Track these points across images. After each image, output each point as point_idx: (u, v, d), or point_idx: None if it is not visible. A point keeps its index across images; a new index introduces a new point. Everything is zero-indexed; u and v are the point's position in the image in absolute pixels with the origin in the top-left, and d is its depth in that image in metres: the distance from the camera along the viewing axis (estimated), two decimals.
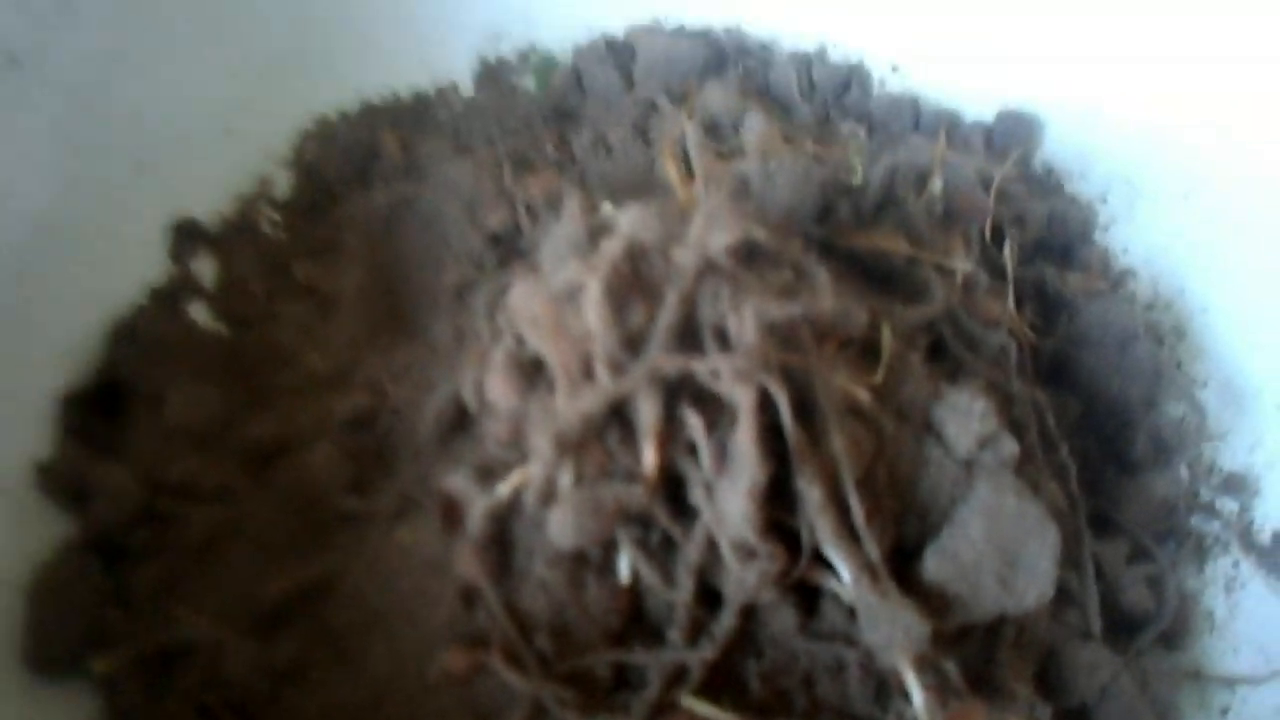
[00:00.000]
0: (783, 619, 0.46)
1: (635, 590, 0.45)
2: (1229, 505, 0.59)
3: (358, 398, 0.58)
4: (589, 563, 0.45)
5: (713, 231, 0.43)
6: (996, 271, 0.62)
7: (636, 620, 0.46)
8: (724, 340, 0.43)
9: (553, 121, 0.74)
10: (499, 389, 0.43)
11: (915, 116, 0.73)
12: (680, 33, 0.76)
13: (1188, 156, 0.67)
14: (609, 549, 0.44)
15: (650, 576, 0.44)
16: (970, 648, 0.48)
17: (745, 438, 0.42)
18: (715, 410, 0.43)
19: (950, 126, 0.73)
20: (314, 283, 0.67)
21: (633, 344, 0.42)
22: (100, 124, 0.67)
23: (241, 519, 0.55)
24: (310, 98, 0.75)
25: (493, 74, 0.78)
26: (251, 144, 0.73)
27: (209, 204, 0.71)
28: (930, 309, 0.52)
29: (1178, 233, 0.67)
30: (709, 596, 0.45)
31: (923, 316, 0.52)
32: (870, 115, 0.73)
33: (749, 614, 0.46)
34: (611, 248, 0.42)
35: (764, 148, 0.64)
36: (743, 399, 0.42)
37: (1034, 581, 0.47)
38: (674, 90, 0.73)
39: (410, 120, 0.75)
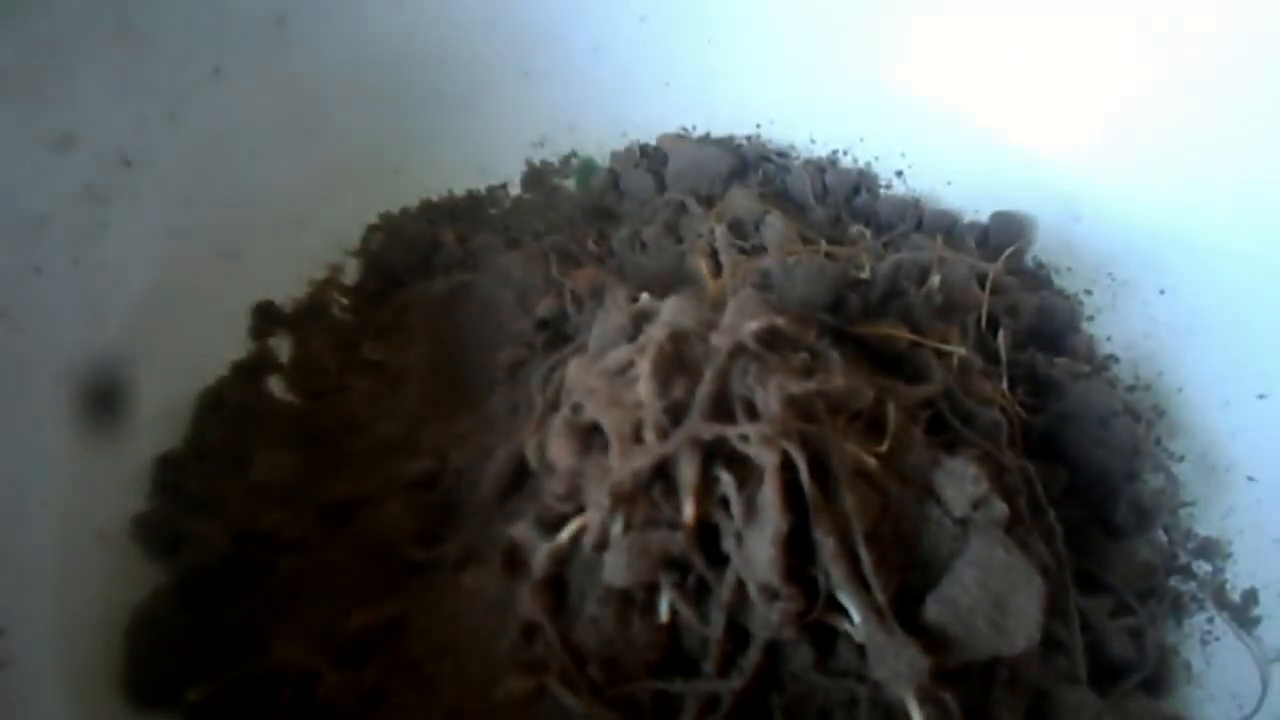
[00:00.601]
0: (802, 656, 0.53)
1: (674, 627, 0.52)
2: (1204, 567, 0.65)
3: (423, 460, 0.65)
4: (634, 603, 0.51)
5: (743, 318, 0.51)
6: (991, 356, 0.69)
7: (675, 654, 0.52)
8: (752, 411, 0.50)
9: (592, 219, 0.83)
10: (559, 450, 0.51)
11: (918, 217, 0.81)
12: (706, 141, 0.85)
13: (1163, 255, 0.75)
14: (652, 591, 0.51)
15: (687, 615, 0.51)
16: (968, 686, 0.54)
17: (770, 493, 0.49)
18: (744, 470, 0.50)
19: (949, 226, 0.81)
20: (381, 359, 0.75)
21: (675, 413, 0.49)
22: (196, 217, 0.76)
23: (320, 566, 0.62)
24: (378, 196, 0.84)
25: (538, 176, 0.87)
26: (325, 236, 0.82)
27: (286, 289, 0.80)
28: (929, 388, 0.60)
29: (1156, 322, 0.74)
30: (738, 634, 0.52)
31: (922, 395, 0.59)
32: (877, 216, 0.82)
33: (773, 651, 0.52)
34: (657, 332, 0.50)
35: (783, 246, 0.73)
36: (768, 460, 0.49)
37: (1022, 626, 0.53)
38: (701, 192, 0.82)
39: (466, 216, 0.84)
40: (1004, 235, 0.80)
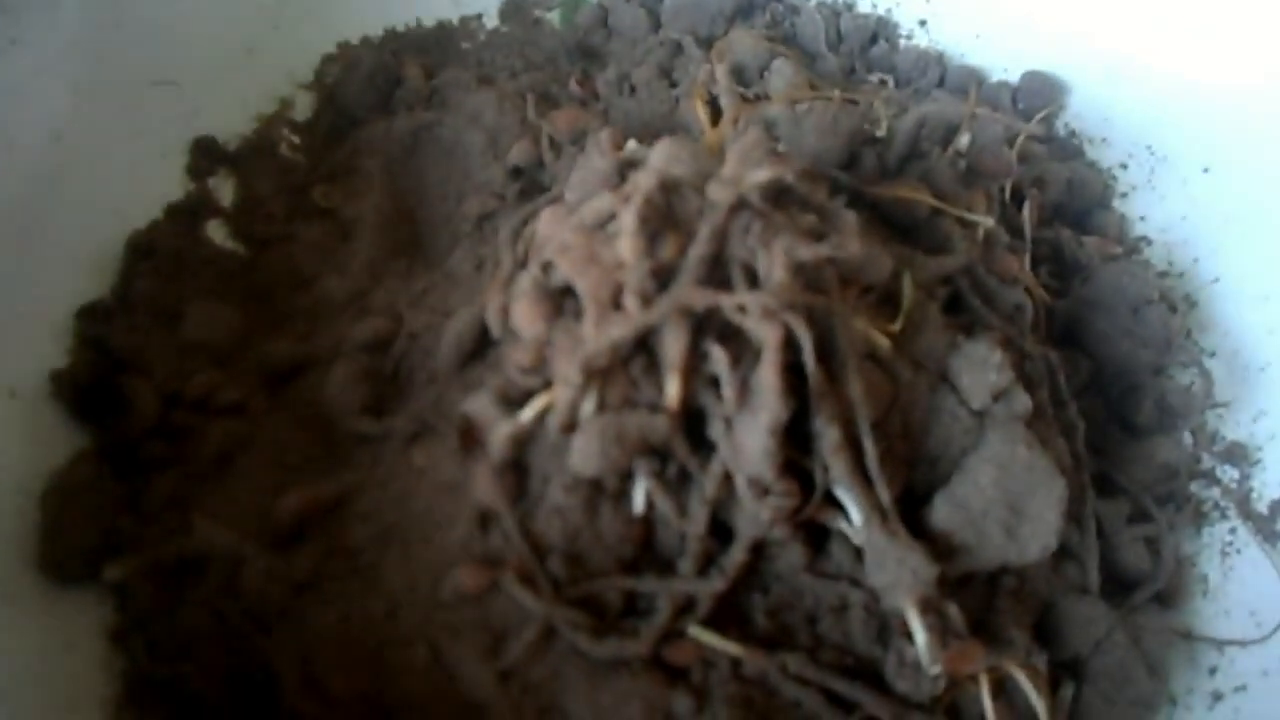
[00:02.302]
0: (791, 556, 0.47)
1: (649, 520, 0.46)
2: (1229, 473, 0.60)
3: (375, 321, 0.58)
4: (605, 491, 0.45)
5: (747, 168, 0.43)
6: (1014, 231, 0.62)
7: (649, 550, 0.46)
8: (753, 278, 0.43)
9: (577, 58, 0.74)
10: (525, 315, 0.44)
11: (941, 73, 0.73)
12: None
13: (1210, 129, 0.67)
14: (625, 479, 0.45)
15: (664, 508, 0.45)
16: (972, 595, 0.49)
17: (768, 374, 0.42)
18: (739, 346, 0.43)
19: (975, 85, 0.72)
20: (333, 206, 0.67)
21: (662, 276, 0.42)
22: (122, 37, 0.67)
23: (257, 435, 0.56)
24: (335, 23, 0.75)
25: (518, 7, 0.77)
26: (274, 66, 0.73)
27: (230, 125, 0.71)
28: (951, 262, 0.53)
29: (1195, 203, 0.67)
30: (720, 530, 0.46)
31: (943, 269, 0.52)
32: (896, 69, 0.73)
33: (758, 550, 0.46)
34: (645, 180, 0.42)
35: (791, 94, 0.64)
36: (768, 336, 0.42)
37: (1038, 533, 0.48)
38: (700, 33, 0.73)
39: (434, 49, 0.75)
40: (1035, 98, 0.71)
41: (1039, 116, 0.68)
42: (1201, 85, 0.67)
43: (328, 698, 0.45)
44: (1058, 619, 0.51)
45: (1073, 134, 0.72)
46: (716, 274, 0.43)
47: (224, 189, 0.69)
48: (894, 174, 0.58)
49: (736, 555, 0.45)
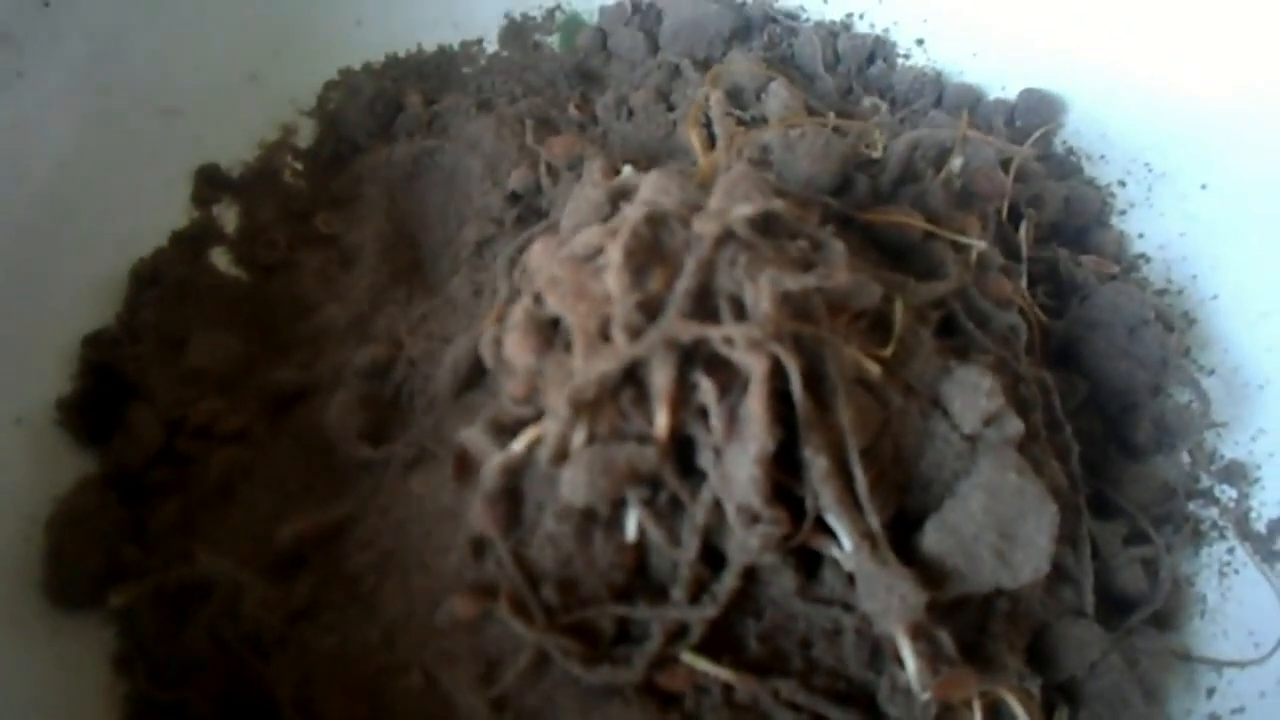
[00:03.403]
0: (783, 582, 0.47)
1: (641, 547, 0.46)
2: (1227, 493, 0.59)
3: (375, 348, 0.59)
4: (597, 519, 0.46)
5: (733, 201, 0.43)
6: (1010, 251, 0.62)
7: (641, 577, 0.47)
8: (739, 309, 0.43)
9: (576, 81, 0.75)
10: (516, 347, 0.44)
11: (938, 92, 0.73)
12: None
13: (1208, 146, 0.67)
14: (617, 507, 0.45)
15: (656, 535, 0.45)
16: (964, 619, 0.49)
17: (756, 405, 0.42)
18: (727, 377, 0.43)
19: (973, 103, 0.73)
20: (334, 233, 0.67)
21: (650, 309, 0.43)
22: (127, 67, 0.68)
23: (259, 462, 0.56)
24: (337, 50, 0.76)
25: (518, 31, 0.78)
26: (277, 93, 0.74)
27: (233, 151, 0.72)
28: (944, 286, 0.53)
29: (1194, 220, 0.67)
30: (712, 557, 0.46)
31: (935, 293, 0.53)
32: (893, 89, 0.73)
33: (750, 576, 0.47)
34: (633, 213, 0.43)
35: (786, 118, 0.65)
36: (755, 367, 0.42)
37: (1030, 557, 0.48)
38: (698, 55, 0.73)
39: (434, 75, 0.76)
40: (1032, 115, 0.71)
41: (1035, 135, 0.69)
42: (1199, 101, 0.67)
43: None
44: (1052, 642, 0.51)
45: (1071, 151, 0.72)
46: (704, 306, 0.43)
47: (228, 216, 0.70)
48: (887, 198, 0.58)
49: (728, 582, 0.46)
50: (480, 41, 0.77)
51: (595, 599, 0.46)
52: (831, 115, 0.64)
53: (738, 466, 0.43)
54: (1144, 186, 0.69)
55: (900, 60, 0.75)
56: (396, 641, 0.46)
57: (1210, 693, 0.54)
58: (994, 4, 0.73)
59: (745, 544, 0.45)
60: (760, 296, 0.43)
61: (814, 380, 0.46)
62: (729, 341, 0.42)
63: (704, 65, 0.72)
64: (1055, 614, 0.52)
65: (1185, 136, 0.68)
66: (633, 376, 0.43)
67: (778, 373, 0.43)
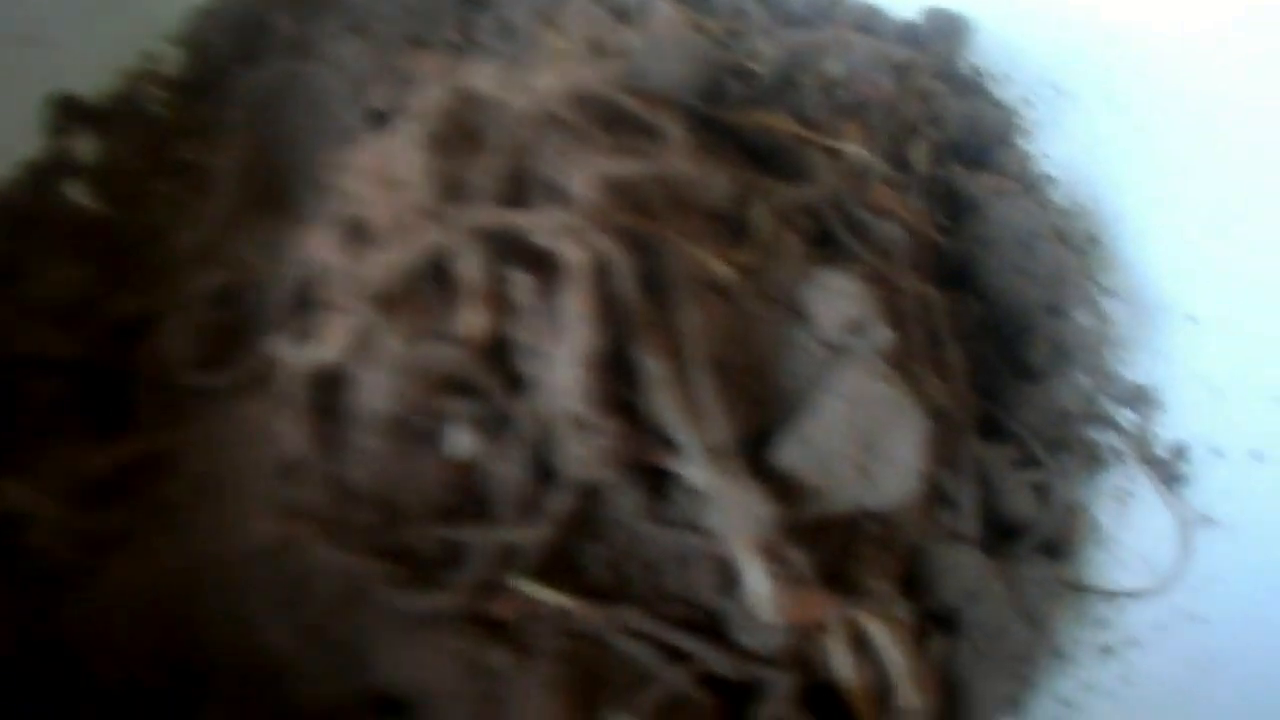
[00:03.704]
0: (627, 502, 0.44)
1: (470, 465, 0.43)
2: (1129, 417, 0.56)
3: (219, 273, 0.55)
4: (417, 434, 0.42)
5: (556, 79, 0.40)
6: (906, 168, 0.59)
7: (471, 497, 0.43)
8: (562, 198, 0.40)
9: (459, 4, 0.70)
10: (318, 246, 0.40)
11: (838, 10, 0.69)
12: None
13: (1115, 65, 0.63)
14: (439, 420, 0.42)
15: (480, 450, 0.42)
16: (828, 542, 0.46)
17: (576, 300, 0.39)
18: (548, 273, 0.40)
19: (871, 22, 0.69)
20: (195, 160, 0.63)
21: (454, 194, 0.39)
22: None
23: (91, 393, 0.53)
24: None
25: None
26: (141, 21, 0.69)
27: (95, 81, 0.68)
28: (811, 191, 0.49)
29: (1100, 141, 0.63)
30: (548, 474, 0.43)
31: (802, 197, 0.49)
32: (788, 8, 0.69)
33: (591, 496, 0.43)
34: (438, 94, 0.39)
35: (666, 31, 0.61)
36: (574, 258, 0.39)
37: (898, 475, 0.45)
38: None
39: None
40: (936, 36, 0.68)
41: (936, 50, 0.65)
42: (1106, 19, 0.64)
43: (124, 658, 0.42)
44: (929, 568, 0.48)
45: (976, 71, 0.68)
46: (522, 193, 0.40)
47: (87, 147, 0.66)
48: (764, 104, 0.55)
49: (561, 501, 0.42)
50: None
51: (417, 520, 0.42)
52: (710, 23, 0.61)
53: (561, 370, 0.40)
54: (1050, 106, 0.66)
55: None
56: (203, 570, 0.43)
57: (1103, 624, 0.51)
58: None
59: (576, 457, 0.41)
60: (582, 182, 0.39)
61: (654, 281, 0.42)
62: (543, 230, 0.38)
63: None
64: (933, 538, 0.49)
65: (1092, 56, 0.64)
66: (443, 273, 0.40)
67: (606, 268, 0.40)
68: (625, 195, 0.40)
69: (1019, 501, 0.52)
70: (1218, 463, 0.53)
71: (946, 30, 0.68)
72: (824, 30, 0.60)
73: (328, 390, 0.42)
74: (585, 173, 0.39)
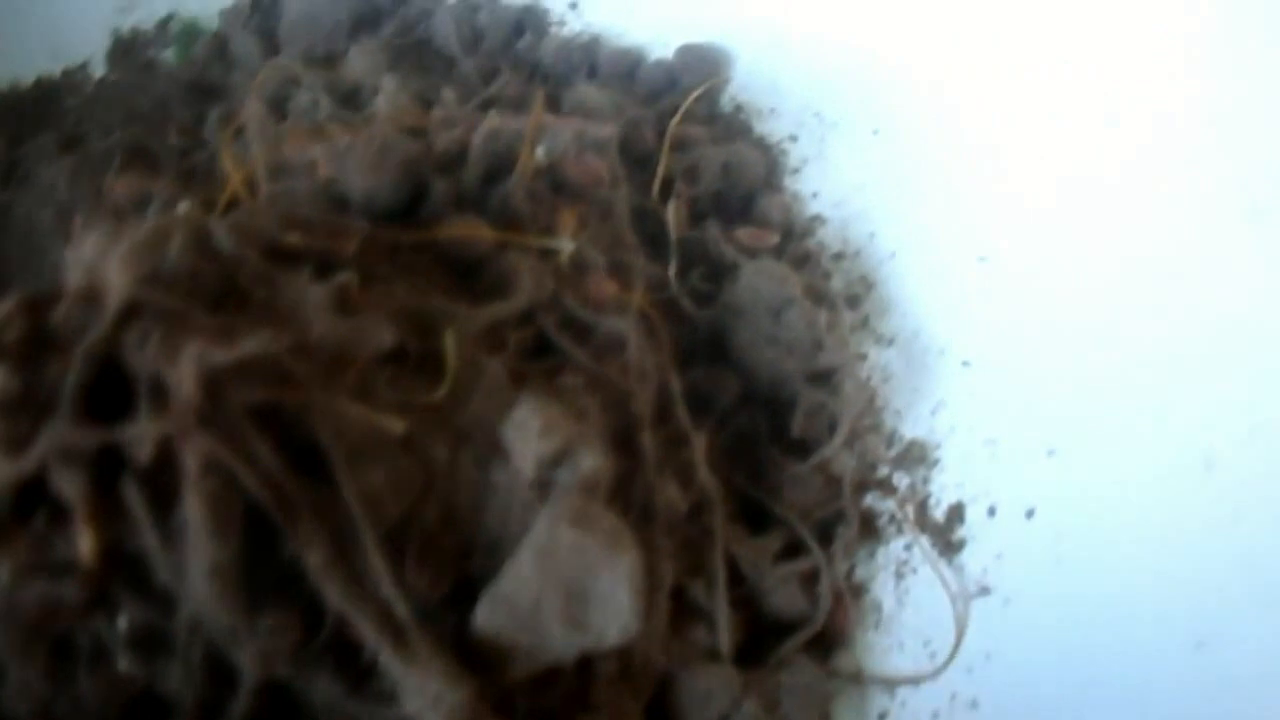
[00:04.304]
0: (325, 686, 0.40)
1: (136, 681, 0.39)
2: (906, 480, 0.53)
3: None
4: (76, 651, 0.38)
5: (135, 262, 0.36)
6: (661, 236, 0.55)
7: (148, 703, 0.40)
8: (161, 395, 0.36)
9: (193, 100, 0.66)
10: None
11: (591, 61, 0.65)
12: None
13: (876, 89, 0.60)
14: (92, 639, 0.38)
15: (138, 667, 0.38)
16: (555, 691, 0.43)
17: (196, 511, 0.35)
18: (168, 477, 0.36)
19: (631, 68, 0.65)
20: None
21: (42, 411, 0.35)
22: None
23: None
24: None
25: (128, 50, 0.69)
26: None
27: None
28: (506, 307, 0.46)
29: (869, 171, 0.60)
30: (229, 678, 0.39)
31: (498, 315, 0.45)
32: (540, 64, 0.65)
33: (279, 690, 0.40)
34: (6, 307, 0.35)
35: (395, 118, 0.57)
36: (189, 465, 0.35)
37: (612, 616, 0.41)
38: (318, 53, 0.65)
39: (33, 113, 0.66)
40: (692, 74, 0.64)
41: (695, 93, 0.61)
42: (864, 43, 0.60)
43: None
44: (676, 695, 0.45)
45: (739, 108, 0.64)
46: (114, 397, 0.36)
47: None
48: (474, 201, 0.51)
49: (243, 705, 0.39)
50: (85, 67, 0.68)
51: None
52: (438, 111, 0.57)
53: (197, 581, 0.36)
54: (817, 139, 0.62)
55: (554, 27, 0.67)
56: None
57: (883, 716, 0.48)
58: None
59: (244, 663, 0.38)
60: (182, 376, 0.35)
61: (308, 454, 0.39)
62: (142, 442, 0.35)
63: (325, 63, 0.64)
64: (684, 660, 0.46)
65: (853, 82, 0.61)
66: (44, 494, 0.36)
67: (231, 467, 0.36)
68: (250, 374, 0.37)
69: (785, 597, 0.49)
70: (991, 525, 0.50)
71: (703, 67, 0.64)
72: (592, 99, 0.56)
73: None
74: (185, 364, 0.35)
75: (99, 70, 0.68)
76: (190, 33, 0.69)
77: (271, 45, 0.66)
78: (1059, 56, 0.54)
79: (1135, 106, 0.50)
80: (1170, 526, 0.44)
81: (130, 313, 0.35)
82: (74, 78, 0.68)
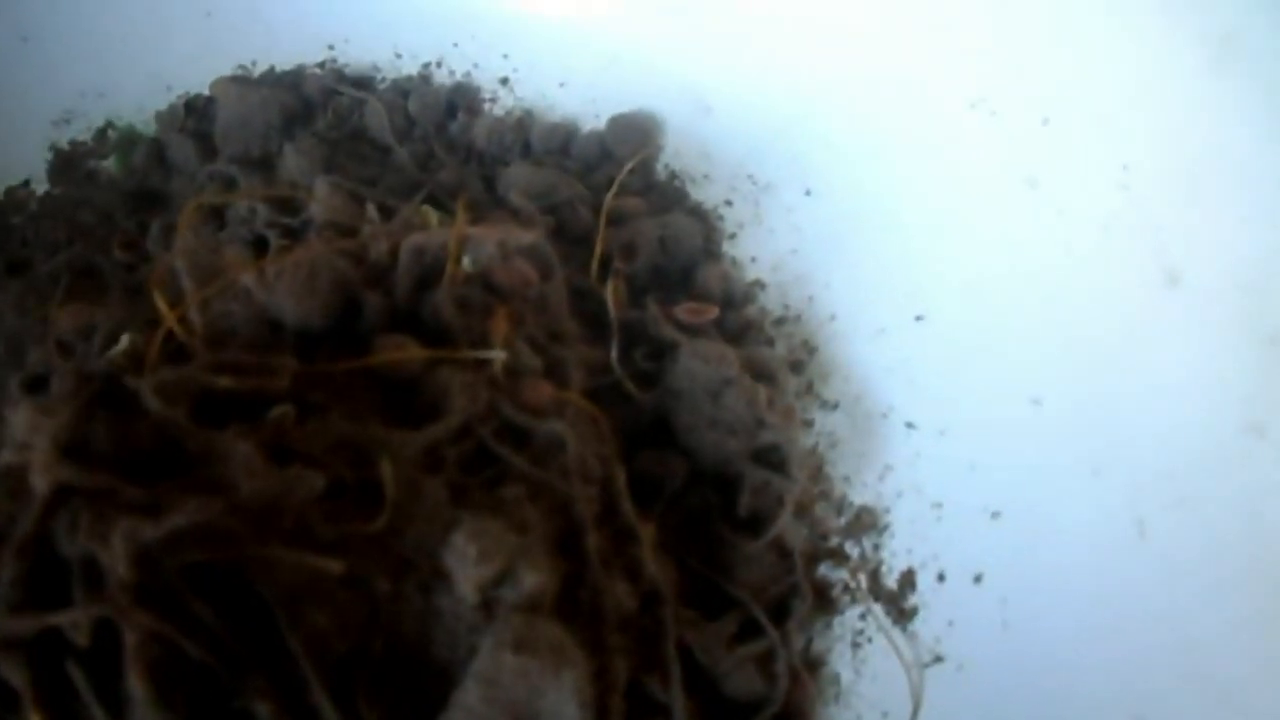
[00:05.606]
0: None
1: None
2: (857, 548, 0.54)
3: None
4: None
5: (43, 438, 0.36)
6: (599, 319, 0.56)
7: None
8: (96, 575, 0.37)
9: (137, 208, 0.67)
10: None
11: (525, 138, 0.66)
12: (260, 81, 0.68)
13: (804, 150, 0.60)
14: None
15: None
16: None
17: (138, 686, 0.36)
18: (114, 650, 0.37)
19: (564, 142, 0.65)
20: None
21: None
22: None
23: None
24: None
25: (68, 162, 0.69)
26: None
27: None
28: (439, 429, 0.46)
29: (803, 233, 0.61)
30: None
31: (431, 438, 0.46)
32: (474, 144, 0.66)
33: None
34: None
35: (331, 223, 0.58)
36: (128, 642, 0.36)
37: None
38: (254, 154, 0.65)
39: None
40: (626, 144, 0.64)
41: (629, 166, 0.62)
42: (790, 103, 0.61)
43: None
44: None
45: (674, 175, 0.65)
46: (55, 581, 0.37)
47: None
48: (405, 313, 0.51)
49: None
50: (27, 183, 0.69)
51: None
52: (372, 209, 0.57)
53: None
54: (751, 202, 0.62)
55: (487, 105, 0.68)
56: None
57: None
58: (574, 27, 0.66)
59: None
60: (115, 557, 0.36)
61: (255, 606, 0.39)
62: (78, 628, 0.36)
63: (261, 165, 0.65)
64: None
65: (781, 142, 0.61)
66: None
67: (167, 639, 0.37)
68: (182, 540, 0.37)
69: (742, 680, 0.50)
70: (941, 590, 0.51)
71: (635, 136, 0.65)
72: (526, 178, 0.57)
73: None
74: (116, 545, 0.36)
75: (43, 185, 0.69)
76: (129, 139, 0.69)
77: (208, 148, 0.67)
78: (989, 110, 0.54)
79: (1055, 166, 0.51)
80: (1108, 593, 0.45)
81: (58, 500, 0.36)
82: (16, 196, 0.68)
